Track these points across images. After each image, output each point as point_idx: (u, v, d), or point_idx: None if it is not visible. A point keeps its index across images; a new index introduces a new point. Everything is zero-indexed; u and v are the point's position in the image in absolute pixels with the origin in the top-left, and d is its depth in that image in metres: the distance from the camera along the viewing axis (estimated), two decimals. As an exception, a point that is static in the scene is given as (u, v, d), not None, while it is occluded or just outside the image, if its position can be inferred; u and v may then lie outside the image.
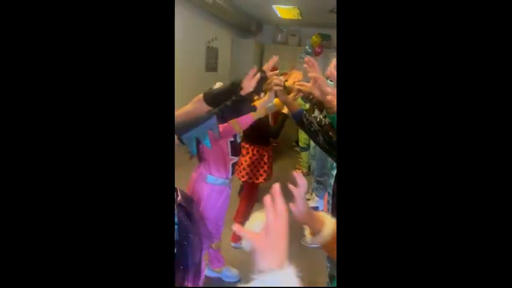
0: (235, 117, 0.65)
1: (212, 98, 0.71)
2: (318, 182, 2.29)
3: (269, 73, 0.68)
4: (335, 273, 0.85)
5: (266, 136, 1.72)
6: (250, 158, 1.68)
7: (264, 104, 0.98)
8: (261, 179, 1.71)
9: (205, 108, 0.73)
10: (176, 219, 0.77)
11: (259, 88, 0.63)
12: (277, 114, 1.66)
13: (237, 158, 1.35)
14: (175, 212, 0.80)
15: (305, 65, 0.70)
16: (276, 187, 0.39)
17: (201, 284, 0.97)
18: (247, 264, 1.72)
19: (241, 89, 0.64)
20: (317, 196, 2.31)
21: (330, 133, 0.81)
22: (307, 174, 3.03)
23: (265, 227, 0.38)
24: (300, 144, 3.13)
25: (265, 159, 1.72)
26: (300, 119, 0.87)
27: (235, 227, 0.39)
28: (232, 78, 0.72)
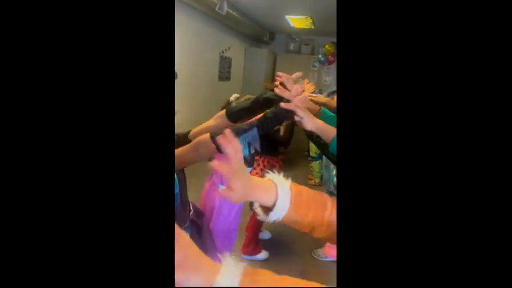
0: (275, 127, 0.63)
1: (234, 115, 0.73)
2: (330, 193, 2.24)
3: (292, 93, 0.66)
4: None
5: (276, 146, 1.70)
6: (262, 169, 1.66)
7: None
8: None
9: (227, 124, 0.74)
10: (188, 235, 0.77)
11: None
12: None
13: (250, 168, 1.34)
14: (187, 229, 0.80)
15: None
16: (227, 131, 0.40)
17: None
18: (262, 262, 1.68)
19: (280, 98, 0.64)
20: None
21: None
22: (319, 184, 2.96)
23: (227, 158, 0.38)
24: (311, 153, 3.08)
25: (276, 169, 1.69)
26: (309, 131, 0.86)
27: (213, 164, 0.38)
28: (255, 95, 0.73)
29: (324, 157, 2.52)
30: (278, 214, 0.42)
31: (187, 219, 0.85)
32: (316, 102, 0.91)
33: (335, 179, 1.93)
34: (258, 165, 1.67)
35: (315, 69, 4.98)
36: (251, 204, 1.89)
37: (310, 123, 0.63)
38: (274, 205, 0.42)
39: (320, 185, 2.69)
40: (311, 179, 3.10)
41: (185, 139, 0.76)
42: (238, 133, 0.62)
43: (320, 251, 1.90)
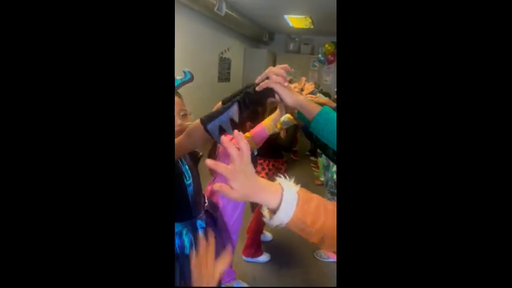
0: (255, 105, 0.61)
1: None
2: (332, 194, 2.23)
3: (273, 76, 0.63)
4: None
5: (278, 149, 1.70)
6: (267, 173, 1.65)
7: (275, 119, 0.96)
8: None
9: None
10: (203, 224, 0.81)
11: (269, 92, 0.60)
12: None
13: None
14: (203, 217, 0.83)
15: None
16: (235, 132, 0.42)
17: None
18: (258, 279, 1.68)
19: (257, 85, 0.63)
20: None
21: None
22: (324, 184, 2.95)
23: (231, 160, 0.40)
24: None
25: (282, 172, 1.69)
26: (308, 132, 0.86)
27: (208, 162, 0.40)
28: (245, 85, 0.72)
29: (323, 158, 2.52)
30: (282, 218, 0.41)
31: (201, 209, 0.86)
32: (316, 102, 0.89)
33: (335, 176, 1.92)
34: (263, 169, 1.66)
35: (315, 68, 4.97)
36: (253, 206, 1.89)
37: (290, 98, 0.57)
38: (278, 208, 0.41)
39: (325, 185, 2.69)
40: (318, 182, 3.08)
41: None
42: (213, 117, 0.60)
43: (321, 251, 1.89)
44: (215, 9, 2.94)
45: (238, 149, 0.40)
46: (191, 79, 0.78)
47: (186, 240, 0.77)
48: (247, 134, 1.02)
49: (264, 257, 1.79)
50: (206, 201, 0.91)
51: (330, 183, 2.14)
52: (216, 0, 2.88)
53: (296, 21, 3.90)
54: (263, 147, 1.67)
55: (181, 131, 0.71)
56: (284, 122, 1.06)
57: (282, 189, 0.41)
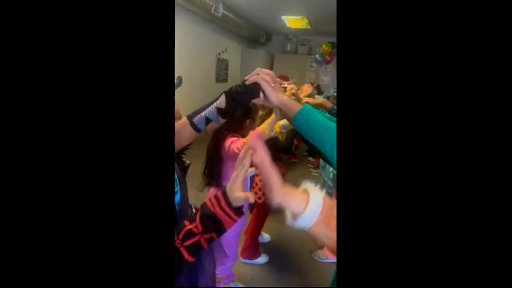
0: (243, 101, 0.63)
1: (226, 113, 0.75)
2: (329, 194, 2.23)
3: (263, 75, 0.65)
4: None
5: (277, 151, 1.70)
6: None
7: (271, 124, 0.98)
8: None
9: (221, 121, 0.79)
10: None
11: (257, 88, 0.62)
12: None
13: (253, 173, 1.33)
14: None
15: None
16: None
17: None
18: (256, 280, 1.68)
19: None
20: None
21: None
22: (321, 185, 2.97)
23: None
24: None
25: (280, 175, 1.69)
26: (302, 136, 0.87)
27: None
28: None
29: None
30: (306, 221, 0.42)
31: (187, 218, 0.84)
32: (312, 104, 0.90)
33: (331, 175, 1.92)
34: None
35: (313, 69, 4.98)
36: (251, 207, 1.89)
37: (275, 97, 0.61)
38: (303, 211, 0.42)
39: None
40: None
41: None
42: (199, 111, 0.63)
43: (320, 252, 1.89)
44: (212, 11, 2.93)
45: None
46: (179, 84, 0.83)
47: None
48: (243, 140, 1.03)
49: (262, 259, 1.79)
50: (193, 211, 0.88)
51: (327, 183, 2.14)
52: (212, 1, 2.87)
53: (293, 21, 3.90)
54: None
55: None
56: (284, 126, 1.06)
57: (308, 193, 0.43)
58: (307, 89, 1.88)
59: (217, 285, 1.51)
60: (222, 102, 0.62)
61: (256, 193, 1.67)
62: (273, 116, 0.96)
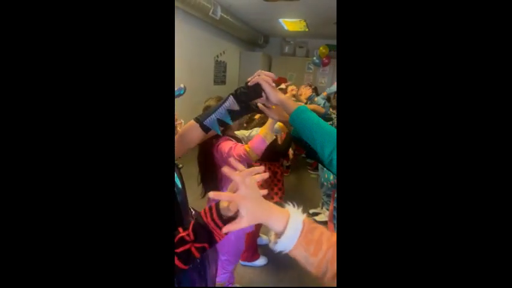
0: (247, 101, 0.68)
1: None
2: (328, 196, 2.23)
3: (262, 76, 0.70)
4: None
5: (275, 154, 1.71)
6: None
7: (269, 127, 0.99)
8: (276, 198, 1.68)
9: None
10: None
11: (259, 90, 0.67)
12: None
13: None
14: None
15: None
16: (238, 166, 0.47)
17: None
18: (255, 282, 1.67)
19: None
20: (327, 210, 2.25)
21: None
22: (320, 187, 2.97)
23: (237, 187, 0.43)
24: None
25: (278, 176, 1.70)
26: (297, 138, 0.88)
27: (211, 194, 0.42)
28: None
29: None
30: (285, 245, 0.42)
31: (190, 219, 0.85)
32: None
33: (332, 177, 1.92)
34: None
35: (311, 71, 5.00)
36: None
37: (273, 96, 0.66)
38: (282, 234, 0.42)
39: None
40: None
41: None
42: (209, 113, 0.66)
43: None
44: (210, 13, 2.94)
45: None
46: (183, 94, 0.89)
47: None
48: (246, 146, 1.02)
49: (260, 261, 1.78)
50: (193, 215, 0.90)
51: (325, 185, 2.14)
52: (211, 4, 2.89)
53: (291, 24, 3.93)
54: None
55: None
56: (275, 130, 1.08)
57: (289, 215, 0.43)
58: (306, 91, 1.91)
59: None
60: (232, 104, 0.65)
61: None
62: (270, 120, 0.97)
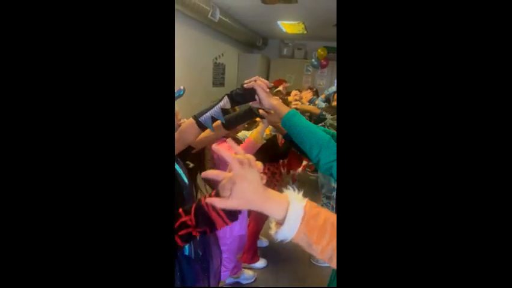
0: (241, 102, 0.74)
1: (229, 123, 0.88)
2: (327, 198, 2.23)
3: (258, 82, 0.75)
4: None
5: (275, 155, 1.71)
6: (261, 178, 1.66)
7: (261, 131, 1.06)
8: None
9: (224, 132, 0.93)
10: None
11: (252, 93, 0.72)
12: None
13: None
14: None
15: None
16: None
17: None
18: (254, 285, 1.67)
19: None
20: (327, 211, 2.25)
21: None
22: (320, 188, 2.98)
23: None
24: None
25: (277, 176, 1.70)
26: (291, 140, 0.91)
27: (203, 174, 0.41)
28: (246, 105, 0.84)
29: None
30: (287, 233, 0.39)
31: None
32: (301, 110, 0.96)
33: (332, 180, 1.92)
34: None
35: (309, 73, 5.02)
36: (249, 210, 1.89)
37: (266, 101, 0.71)
38: (282, 222, 0.39)
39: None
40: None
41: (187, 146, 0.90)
42: (204, 111, 0.72)
43: (318, 256, 1.88)
44: (209, 16, 2.95)
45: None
46: (182, 95, 0.94)
47: None
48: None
49: (260, 263, 1.78)
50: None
51: (326, 186, 2.14)
52: (209, 6, 2.90)
53: (289, 27, 3.94)
54: (260, 151, 1.71)
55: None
56: (272, 130, 1.13)
57: (289, 202, 0.40)
58: (307, 94, 1.93)
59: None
60: (226, 103, 0.71)
61: None
62: (261, 124, 1.05)
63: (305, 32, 4.13)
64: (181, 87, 0.91)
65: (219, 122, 0.84)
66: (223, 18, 3.28)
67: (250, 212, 1.87)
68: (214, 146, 0.42)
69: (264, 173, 1.81)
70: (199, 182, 1.15)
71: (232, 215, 0.48)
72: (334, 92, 2.15)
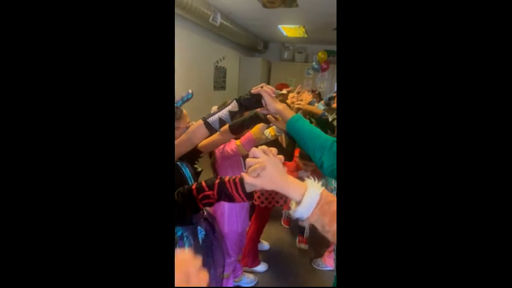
0: (248, 107, 0.79)
1: (236, 128, 0.93)
2: (332, 190, 2.23)
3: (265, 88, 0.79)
4: None
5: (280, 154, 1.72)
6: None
7: (261, 128, 1.08)
8: (281, 202, 1.69)
9: (231, 137, 0.97)
10: (204, 232, 0.91)
11: (258, 100, 0.76)
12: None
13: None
14: (203, 225, 0.92)
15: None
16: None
17: None
18: (262, 273, 1.66)
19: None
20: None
21: None
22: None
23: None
24: None
25: None
26: (291, 138, 0.93)
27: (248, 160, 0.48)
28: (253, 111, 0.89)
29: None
30: (301, 212, 0.46)
31: (201, 217, 0.93)
32: (304, 110, 1.06)
33: (333, 182, 1.92)
34: None
35: (310, 76, 5.04)
36: (251, 209, 1.89)
37: (272, 105, 0.75)
38: (300, 203, 0.47)
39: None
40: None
41: (195, 149, 0.96)
42: (213, 113, 0.77)
43: (319, 260, 1.87)
44: (210, 20, 2.98)
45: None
46: (191, 98, 0.98)
47: (187, 243, 0.83)
48: (237, 142, 1.13)
49: (261, 267, 1.77)
50: (205, 210, 0.97)
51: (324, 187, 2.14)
52: (211, 11, 2.92)
53: (290, 30, 3.97)
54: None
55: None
56: (277, 130, 1.13)
57: (307, 188, 0.48)
58: (307, 97, 1.93)
59: (224, 281, 1.51)
60: (234, 107, 0.76)
61: (258, 197, 1.68)
62: (262, 124, 1.06)
63: (306, 35, 4.15)
64: (190, 91, 0.95)
65: (226, 126, 0.91)
66: (225, 23, 3.30)
67: (252, 213, 1.88)
68: (253, 149, 0.49)
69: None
70: None
71: (250, 195, 0.57)
72: (333, 97, 2.16)
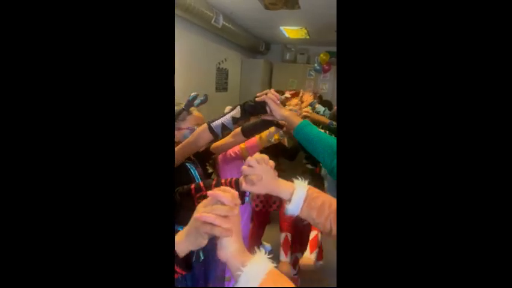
0: (253, 114, 0.80)
1: (248, 131, 0.96)
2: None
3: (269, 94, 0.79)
4: None
5: (282, 157, 1.72)
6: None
7: (269, 135, 1.09)
8: (274, 207, 1.69)
9: (243, 139, 1.00)
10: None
11: (263, 106, 0.76)
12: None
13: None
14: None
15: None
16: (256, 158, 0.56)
17: None
18: None
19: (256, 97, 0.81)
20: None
21: None
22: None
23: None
24: None
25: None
26: (294, 138, 0.94)
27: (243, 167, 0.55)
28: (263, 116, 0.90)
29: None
30: (292, 210, 0.53)
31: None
32: (311, 119, 1.02)
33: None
34: None
35: (312, 77, 5.03)
36: (252, 214, 1.88)
37: (278, 112, 0.75)
38: (290, 201, 0.53)
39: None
40: None
41: (207, 151, 1.00)
42: (217, 118, 0.79)
43: (321, 262, 1.86)
44: (212, 22, 2.99)
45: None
46: (205, 101, 1.01)
47: None
48: (242, 144, 1.14)
49: (263, 268, 1.76)
50: None
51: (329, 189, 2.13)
52: (213, 12, 2.94)
53: (292, 32, 3.98)
54: (269, 155, 1.73)
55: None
56: (280, 134, 1.14)
57: (294, 188, 0.54)
58: (308, 98, 1.94)
59: (226, 284, 1.50)
60: (236, 112, 0.77)
61: (253, 200, 1.68)
62: (272, 129, 1.08)
63: (308, 37, 4.16)
64: (204, 95, 0.98)
65: (238, 129, 0.94)
66: (226, 24, 3.32)
67: (253, 216, 1.87)
68: (249, 158, 0.54)
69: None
70: None
71: (241, 197, 0.60)
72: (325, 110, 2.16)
